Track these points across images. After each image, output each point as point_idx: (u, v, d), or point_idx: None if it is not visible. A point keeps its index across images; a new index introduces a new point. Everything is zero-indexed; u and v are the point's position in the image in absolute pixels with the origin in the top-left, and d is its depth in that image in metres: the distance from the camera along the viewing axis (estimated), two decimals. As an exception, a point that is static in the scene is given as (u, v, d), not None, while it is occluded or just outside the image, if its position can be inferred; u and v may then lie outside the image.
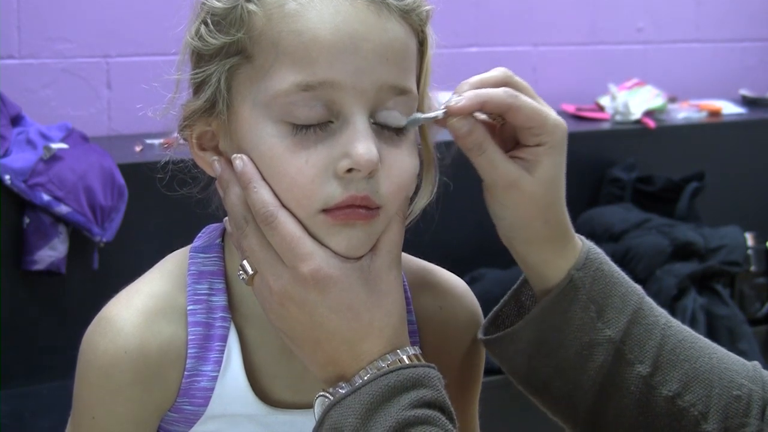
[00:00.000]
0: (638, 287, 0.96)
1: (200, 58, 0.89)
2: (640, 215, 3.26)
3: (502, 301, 0.98)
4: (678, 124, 3.59)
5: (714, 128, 3.68)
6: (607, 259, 0.95)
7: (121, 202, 2.52)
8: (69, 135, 2.58)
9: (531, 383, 0.96)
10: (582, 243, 0.95)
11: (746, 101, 3.93)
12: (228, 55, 0.86)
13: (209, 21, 0.88)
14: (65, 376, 2.43)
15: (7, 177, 2.38)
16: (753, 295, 3.31)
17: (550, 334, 0.92)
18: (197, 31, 0.89)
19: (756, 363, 0.98)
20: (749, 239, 3.39)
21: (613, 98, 3.53)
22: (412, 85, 0.88)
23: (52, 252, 2.43)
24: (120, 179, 2.52)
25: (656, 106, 3.53)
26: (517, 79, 0.91)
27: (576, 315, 0.92)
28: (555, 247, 0.92)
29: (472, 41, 3.47)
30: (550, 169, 0.90)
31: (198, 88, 0.89)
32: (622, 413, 0.94)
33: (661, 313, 0.96)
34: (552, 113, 0.90)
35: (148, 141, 2.78)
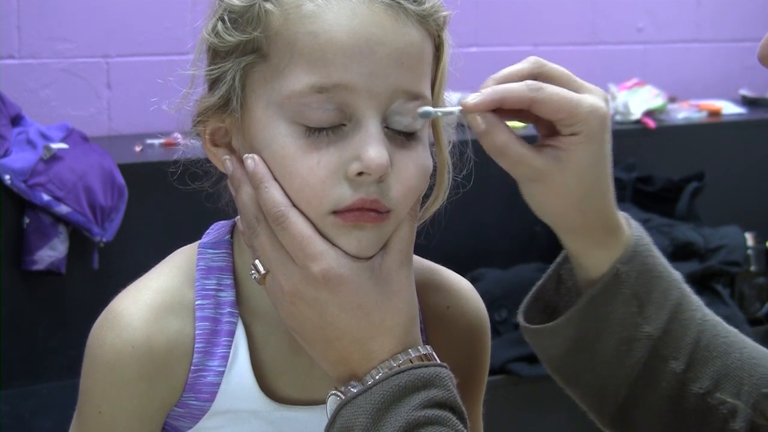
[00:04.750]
0: (679, 278, 0.94)
1: (216, 54, 0.89)
2: (640, 215, 3.26)
3: (544, 276, 0.96)
4: (678, 124, 3.59)
5: (714, 128, 3.68)
6: (654, 250, 0.92)
7: (121, 202, 2.52)
8: (69, 135, 2.58)
9: (564, 373, 0.95)
10: (630, 232, 0.92)
11: (746, 101, 3.93)
12: (244, 53, 0.86)
13: (226, 18, 0.87)
14: (65, 376, 2.44)
15: (7, 177, 2.38)
16: (753, 295, 3.30)
17: (590, 329, 0.91)
18: (214, 27, 0.88)
19: None
20: (749, 239, 3.39)
21: (613, 98, 3.52)
22: (426, 91, 0.87)
23: (52, 252, 2.43)
24: (120, 179, 2.52)
25: (656, 106, 3.53)
26: (550, 67, 0.87)
27: (618, 310, 0.90)
28: (595, 238, 0.90)
29: (472, 41, 3.47)
30: (585, 160, 0.86)
31: (213, 84, 0.89)
32: (652, 408, 0.93)
33: (698, 305, 0.94)
34: (587, 101, 0.86)
35: (148, 141, 2.78)
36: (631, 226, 0.93)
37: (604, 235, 0.90)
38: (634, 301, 0.90)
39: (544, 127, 0.89)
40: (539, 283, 0.96)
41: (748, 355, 0.94)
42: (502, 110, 0.86)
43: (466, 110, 0.86)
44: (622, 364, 0.92)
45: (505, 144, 0.86)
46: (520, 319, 0.96)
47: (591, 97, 0.87)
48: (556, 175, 0.87)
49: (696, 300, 0.95)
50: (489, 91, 0.85)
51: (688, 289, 0.94)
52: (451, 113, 0.87)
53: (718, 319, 0.96)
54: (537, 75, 0.87)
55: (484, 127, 0.85)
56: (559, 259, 0.96)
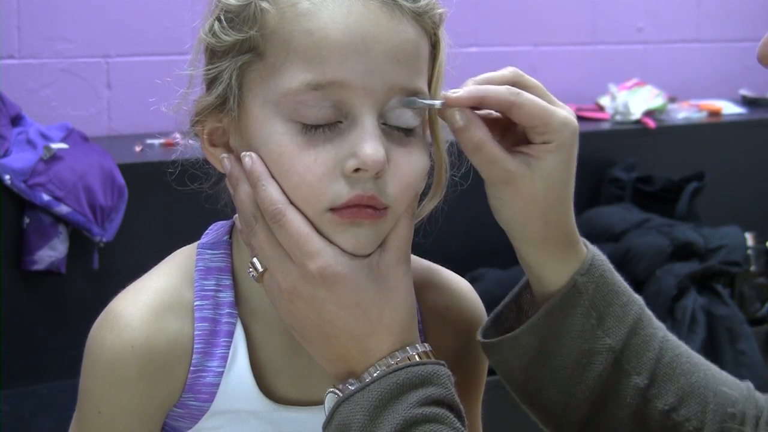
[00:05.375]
0: (639, 298, 0.95)
1: (213, 54, 0.89)
2: (640, 215, 3.26)
3: (502, 303, 0.97)
4: (678, 124, 3.59)
5: (714, 128, 3.68)
6: (611, 267, 0.94)
7: (121, 202, 2.52)
8: (69, 135, 2.58)
9: (526, 390, 0.95)
10: (587, 248, 0.94)
11: (746, 101, 3.93)
12: (240, 52, 0.87)
13: (223, 18, 0.88)
14: (65, 376, 2.44)
15: (7, 177, 2.38)
16: (753, 295, 3.31)
17: (550, 340, 0.92)
18: (211, 27, 0.89)
19: (749, 383, 0.97)
20: (749, 239, 3.39)
21: (613, 98, 3.53)
22: (423, 87, 0.88)
23: (52, 252, 2.43)
24: (120, 179, 2.52)
25: (656, 106, 3.53)
26: (528, 78, 0.90)
27: (577, 321, 0.91)
28: (555, 250, 0.91)
29: (472, 41, 3.47)
30: (554, 169, 0.88)
31: (210, 84, 0.90)
32: (615, 424, 0.93)
33: (659, 326, 0.95)
34: (561, 112, 0.89)
35: (148, 141, 2.78)
36: (587, 245, 0.94)
37: (564, 247, 0.92)
38: (593, 313, 0.91)
39: (511, 140, 0.90)
40: (498, 309, 0.97)
41: (712, 376, 0.95)
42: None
43: (447, 103, 0.87)
44: (583, 377, 0.92)
45: (482, 141, 0.87)
46: (479, 337, 0.96)
47: (563, 111, 0.89)
48: (526, 180, 0.88)
49: (658, 322, 0.96)
50: (472, 88, 0.87)
51: (649, 312, 0.95)
52: (433, 105, 0.88)
53: (680, 342, 0.96)
54: (514, 84, 0.89)
55: (463, 123, 0.87)
56: (517, 289, 0.97)
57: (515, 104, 0.87)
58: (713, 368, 0.96)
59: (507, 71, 0.89)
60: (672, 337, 0.96)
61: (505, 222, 0.92)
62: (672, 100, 3.68)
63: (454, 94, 0.87)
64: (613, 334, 0.91)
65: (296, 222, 0.85)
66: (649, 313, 0.95)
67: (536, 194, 0.89)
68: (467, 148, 0.88)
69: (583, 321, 0.91)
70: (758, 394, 0.96)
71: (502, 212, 0.91)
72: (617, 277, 0.94)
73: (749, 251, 3.36)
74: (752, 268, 3.36)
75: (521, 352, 0.93)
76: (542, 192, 0.89)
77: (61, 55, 2.90)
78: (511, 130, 0.91)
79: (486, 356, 0.97)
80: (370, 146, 0.83)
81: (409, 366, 0.84)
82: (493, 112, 0.90)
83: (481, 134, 0.87)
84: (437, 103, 0.88)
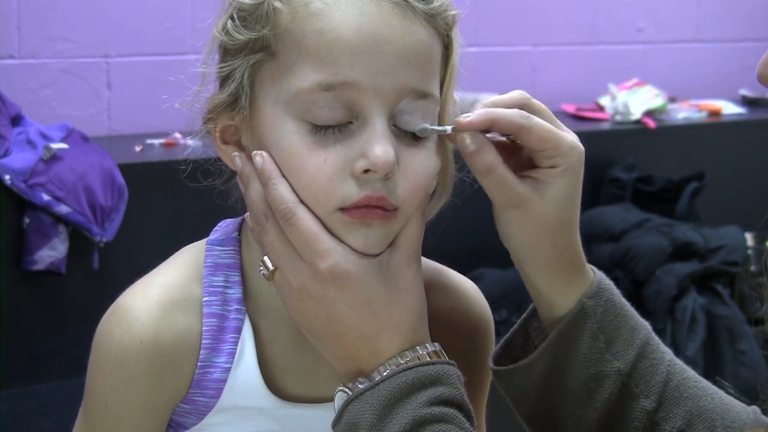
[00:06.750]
0: (646, 323, 0.95)
1: (226, 52, 0.90)
2: (640, 215, 3.26)
3: (511, 331, 0.97)
4: (678, 124, 3.59)
5: (714, 128, 3.69)
6: (617, 291, 0.94)
7: (121, 202, 2.53)
8: (69, 135, 2.58)
9: (536, 414, 0.95)
10: (593, 272, 0.94)
11: (746, 101, 3.93)
12: (252, 51, 0.87)
13: (236, 16, 0.88)
14: (65, 376, 2.44)
15: (7, 177, 2.38)
16: (753, 295, 3.31)
17: (559, 364, 0.92)
18: (224, 25, 0.89)
19: (755, 407, 0.97)
20: (749, 239, 3.39)
21: (613, 98, 3.53)
22: (434, 89, 0.88)
23: (52, 252, 2.43)
24: (120, 179, 2.53)
25: (656, 106, 3.53)
26: (535, 101, 0.90)
27: (585, 345, 0.91)
28: (564, 273, 0.92)
29: (472, 41, 3.45)
30: (562, 192, 0.89)
31: (223, 82, 0.90)
32: None
33: (666, 350, 0.95)
34: (569, 136, 0.89)
35: (148, 141, 2.79)
36: (594, 270, 0.95)
37: (572, 271, 0.92)
38: (600, 336, 0.91)
39: (515, 165, 0.90)
40: (507, 337, 0.97)
41: (719, 399, 0.95)
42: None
43: (458, 128, 0.87)
44: (592, 401, 0.92)
45: (493, 165, 0.87)
46: (490, 364, 0.96)
47: (570, 135, 0.90)
48: (535, 203, 0.89)
49: (665, 347, 0.96)
50: (482, 111, 0.87)
51: (656, 336, 0.96)
52: (444, 131, 0.88)
53: (687, 366, 0.96)
54: (522, 107, 0.89)
55: (474, 147, 0.87)
56: (525, 315, 0.97)
57: (525, 128, 0.87)
58: (720, 393, 0.96)
59: (515, 94, 0.90)
60: (679, 362, 0.96)
61: (514, 246, 0.92)
62: (672, 100, 3.68)
63: (466, 119, 0.87)
64: (621, 358, 0.91)
65: (306, 221, 0.85)
66: (656, 337, 0.95)
67: (545, 217, 0.89)
68: (478, 171, 0.88)
69: (591, 344, 0.91)
70: (765, 419, 0.96)
71: (511, 236, 0.91)
72: (624, 300, 0.94)
73: (749, 251, 3.36)
74: (752, 268, 3.36)
75: (534, 378, 0.93)
76: (551, 215, 0.89)
77: (61, 55, 2.90)
78: (515, 155, 0.91)
79: (497, 383, 0.97)
80: (379, 147, 0.83)
81: (418, 365, 0.84)
82: (497, 135, 0.90)
83: (491, 157, 0.87)
84: (448, 128, 0.88)
